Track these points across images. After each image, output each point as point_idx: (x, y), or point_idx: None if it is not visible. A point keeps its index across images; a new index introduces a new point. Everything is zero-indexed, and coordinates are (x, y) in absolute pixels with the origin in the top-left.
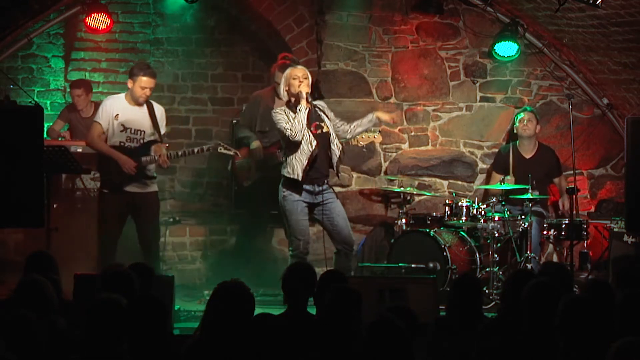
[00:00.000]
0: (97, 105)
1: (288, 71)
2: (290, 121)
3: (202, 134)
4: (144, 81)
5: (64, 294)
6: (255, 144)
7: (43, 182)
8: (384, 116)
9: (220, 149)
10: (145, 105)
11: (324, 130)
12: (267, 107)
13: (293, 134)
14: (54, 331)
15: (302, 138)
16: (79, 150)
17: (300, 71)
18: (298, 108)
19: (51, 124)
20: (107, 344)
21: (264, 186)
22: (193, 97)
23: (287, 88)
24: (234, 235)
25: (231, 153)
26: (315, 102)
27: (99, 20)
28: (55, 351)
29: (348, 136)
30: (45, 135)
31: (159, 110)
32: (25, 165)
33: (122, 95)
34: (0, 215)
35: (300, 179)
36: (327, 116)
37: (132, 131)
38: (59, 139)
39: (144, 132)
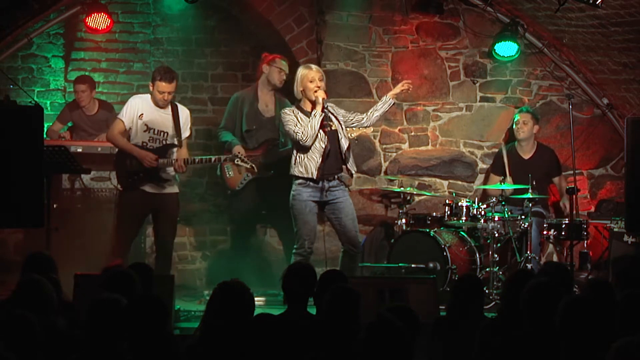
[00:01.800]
0: (100, 102)
1: (304, 72)
2: (300, 123)
3: (202, 134)
4: (162, 86)
5: (64, 294)
6: (236, 149)
7: (43, 182)
8: (397, 90)
9: (237, 161)
10: (170, 108)
11: (333, 128)
12: (251, 105)
13: (304, 139)
14: (54, 331)
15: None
16: (79, 150)
17: (317, 74)
18: (313, 113)
19: (51, 124)
20: (107, 344)
21: (259, 186)
22: (193, 97)
23: (301, 89)
24: (232, 235)
25: (248, 166)
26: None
27: (99, 20)
28: (55, 351)
29: (366, 123)
30: (45, 136)
31: (184, 113)
32: (25, 165)
33: (148, 95)
34: (0, 215)
35: (315, 177)
36: (335, 115)
37: (155, 132)
38: (61, 139)
39: (167, 133)
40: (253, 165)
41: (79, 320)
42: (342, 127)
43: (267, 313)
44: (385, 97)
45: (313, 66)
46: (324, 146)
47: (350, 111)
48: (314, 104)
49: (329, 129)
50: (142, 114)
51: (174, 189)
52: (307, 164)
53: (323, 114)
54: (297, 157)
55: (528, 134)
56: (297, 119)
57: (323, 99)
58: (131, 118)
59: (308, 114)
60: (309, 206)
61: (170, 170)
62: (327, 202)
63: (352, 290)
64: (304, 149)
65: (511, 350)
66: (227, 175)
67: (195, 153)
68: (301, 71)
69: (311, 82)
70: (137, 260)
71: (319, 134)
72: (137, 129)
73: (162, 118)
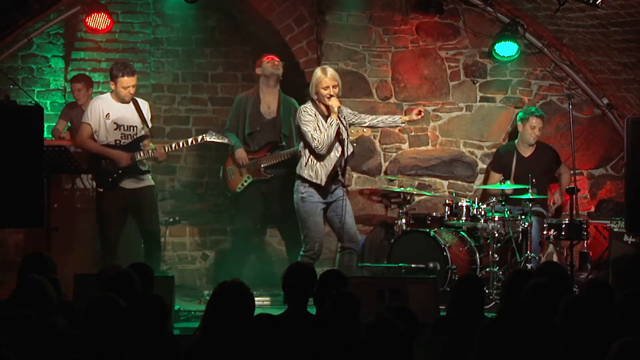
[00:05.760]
0: None
1: (319, 76)
2: (319, 129)
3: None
4: (125, 81)
5: (64, 294)
6: (238, 152)
7: (43, 182)
8: (412, 117)
9: (212, 138)
10: (131, 102)
11: (343, 136)
12: (254, 107)
13: (320, 147)
14: (54, 331)
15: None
16: (79, 150)
17: (331, 81)
18: (329, 122)
19: (52, 124)
20: (107, 344)
21: (262, 187)
22: (193, 97)
23: (315, 92)
24: (233, 235)
25: (224, 141)
26: None
27: (99, 20)
28: (55, 351)
29: (367, 123)
30: (49, 135)
31: (144, 105)
32: (25, 165)
33: (108, 94)
34: (0, 215)
35: (323, 184)
36: (343, 123)
37: (125, 128)
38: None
39: (136, 127)
40: (229, 140)
41: (78, 320)
42: (347, 133)
43: (267, 313)
44: (397, 117)
45: (329, 71)
46: (338, 155)
47: (354, 112)
48: (327, 107)
49: (340, 136)
50: (109, 114)
51: (150, 182)
52: (319, 170)
53: (339, 123)
54: (310, 161)
55: (538, 137)
56: (317, 124)
57: (338, 107)
58: (97, 120)
59: (323, 115)
60: (319, 208)
61: (146, 161)
62: (331, 202)
63: (352, 296)
64: (319, 156)
65: (511, 350)
66: (229, 178)
67: (195, 152)
68: (317, 75)
69: (324, 89)
70: (137, 261)
71: (334, 143)
72: (106, 129)
73: (129, 113)
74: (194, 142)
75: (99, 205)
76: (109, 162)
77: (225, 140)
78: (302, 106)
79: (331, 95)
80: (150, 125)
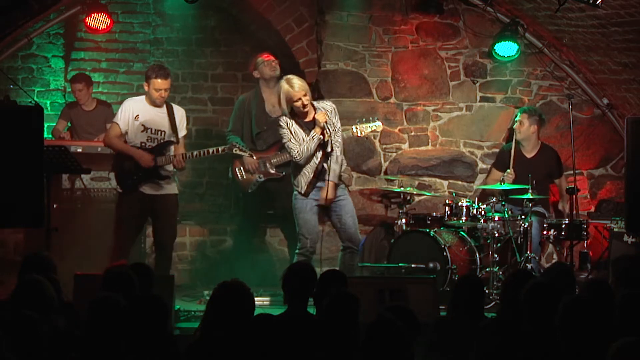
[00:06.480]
0: (99, 100)
1: (286, 90)
2: (294, 138)
3: (202, 134)
4: (158, 83)
5: (64, 294)
6: (246, 158)
7: (43, 182)
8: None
9: (235, 150)
10: (164, 107)
11: (325, 139)
12: (259, 107)
13: (299, 158)
14: (54, 331)
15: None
16: (79, 150)
17: (300, 92)
18: (311, 135)
19: (52, 124)
20: (106, 343)
21: (263, 187)
22: (193, 97)
23: (288, 107)
24: (234, 235)
25: (246, 154)
26: (322, 105)
27: (99, 20)
28: (55, 351)
29: (332, 152)
30: (49, 135)
31: (179, 112)
32: (25, 165)
33: (143, 97)
34: (0, 215)
35: (304, 192)
36: (328, 123)
37: (153, 131)
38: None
39: (164, 132)
40: (251, 153)
41: (78, 320)
42: (333, 134)
43: (267, 313)
44: (344, 187)
45: (295, 82)
46: (317, 162)
47: (339, 131)
48: (305, 114)
49: (322, 140)
50: (138, 115)
51: (173, 190)
52: (300, 179)
53: (320, 137)
54: (294, 171)
55: (525, 134)
56: (292, 132)
57: (325, 122)
58: (126, 120)
59: (301, 124)
60: (310, 205)
61: (169, 167)
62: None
63: (350, 296)
64: (299, 165)
65: (511, 350)
66: (239, 178)
67: None
68: (283, 89)
69: (297, 102)
70: (137, 261)
71: (316, 151)
72: (134, 130)
73: (159, 117)
74: (214, 153)
75: (118, 206)
76: (130, 164)
77: (247, 154)
78: (278, 120)
79: (305, 105)
80: (182, 133)
